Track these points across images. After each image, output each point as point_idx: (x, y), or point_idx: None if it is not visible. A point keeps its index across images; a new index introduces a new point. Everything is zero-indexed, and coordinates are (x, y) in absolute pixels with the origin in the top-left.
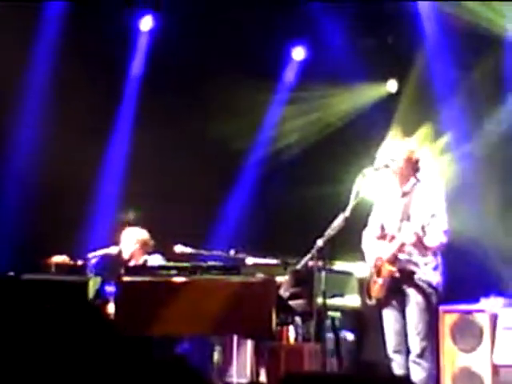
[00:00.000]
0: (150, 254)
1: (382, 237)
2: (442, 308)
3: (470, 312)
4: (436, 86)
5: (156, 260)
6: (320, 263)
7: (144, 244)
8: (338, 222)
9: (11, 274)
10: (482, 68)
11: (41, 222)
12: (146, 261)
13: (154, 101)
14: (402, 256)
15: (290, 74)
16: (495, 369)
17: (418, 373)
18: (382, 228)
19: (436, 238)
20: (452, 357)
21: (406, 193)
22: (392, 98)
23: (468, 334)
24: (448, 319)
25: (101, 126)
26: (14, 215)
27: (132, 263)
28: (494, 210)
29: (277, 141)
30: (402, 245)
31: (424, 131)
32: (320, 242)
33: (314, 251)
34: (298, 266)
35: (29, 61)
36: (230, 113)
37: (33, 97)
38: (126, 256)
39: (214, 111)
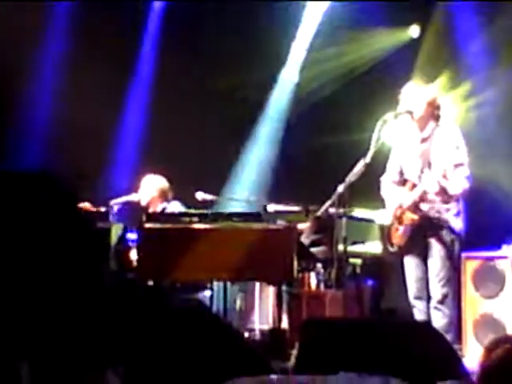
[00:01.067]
0: (168, 201)
1: (401, 183)
2: (464, 254)
3: (492, 258)
4: (458, 32)
5: (175, 207)
6: (340, 210)
7: (163, 192)
8: (358, 168)
9: None
10: (505, 13)
11: (63, 169)
12: (164, 208)
13: (173, 54)
14: (423, 204)
15: (311, 21)
16: None
17: (438, 319)
18: (401, 174)
19: (459, 184)
20: (474, 303)
21: (426, 138)
22: (414, 44)
23: (490, 281)
24: (470, 266)
25: (121, 78)
26: (38, 164)
27: (150, 211)
28: None
29: (298, 88)
30: (424, 193)
31: (445, 78)
32: (340, 188)
33: (334, 197)
34: (319, 213)
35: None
36: (253, 62)
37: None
38: (144, 203)
39: (236, 62)
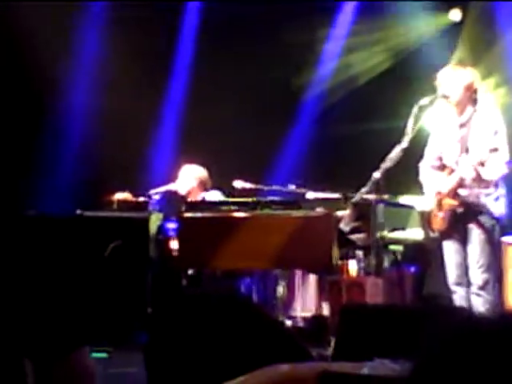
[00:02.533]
0: (207, 190)
1: (440, 168)
2: (505, 240)
3: None
4: (499, 17)
5: (214, 196)
6: (377, 196)
7: (202, 182)
8: (394, 154)
9: (78, 211)
10: None
11: (104, 159)
12: (203, 198)
13: (214, 42)
14: (462, 189)
15: (349, 6)
16: None
17: (479, 305)
18: (440, 159)
19: (497, 170)
20: None
21: (464, 124)
22: (455, 28)
23: None
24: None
25: (161, 69)
26: (78, 154)
27: (190, 200)
28: None
29: (336, 75)
30: (462, 179)
31: (485, 62)
32: (377, 174)
33: (370, 183)
34: (354, 199)
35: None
36: (290, 50)
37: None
38: (183, 193)
39: (273, 49)
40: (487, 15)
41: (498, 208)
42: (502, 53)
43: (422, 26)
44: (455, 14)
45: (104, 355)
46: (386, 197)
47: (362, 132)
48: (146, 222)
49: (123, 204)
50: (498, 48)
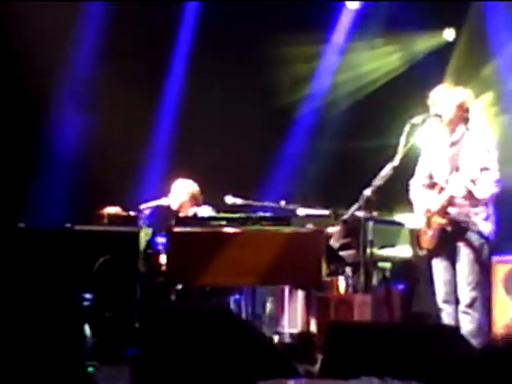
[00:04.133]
0: (199, 205)
1: (430, 186)
2: (494, 258)
3: None
4: (492, 36)
5: (205, 211)
6: (367, 213)
7: (193, 196)
8: (385, 172)
9: (68, 225)
10: None
11: (94, 174)
12: (195, 213)
13: (206, 56)
14: (451, 208)
15: (343, 24)
16: None
17: (467, 323)
18: (430, 177)
19: (487, 189)
20: (504, 308)
21: (455, 142)
22: (448, 47)
23: None
24: (501, 270)
25: (153, 79)
26: (69, 168)
27: (181, 215)
28: None
29: (329, 92)
30: (452, 197)
31: (477, 82)
32: (367, 192)
33: (361, 201)
34: (345, 217)
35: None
36: (283, 65)
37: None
38: (174, 207)
39: (267, 64)
40: (480, 35)
41: (487, 227)
42: (493, 72)
43: (416, 45)
44: (449, 34)
45: (91, 370)
46: (375, 214)
47: (354, 149)
48: (135, 236)
49: (114, 218)
50: (489, 68)
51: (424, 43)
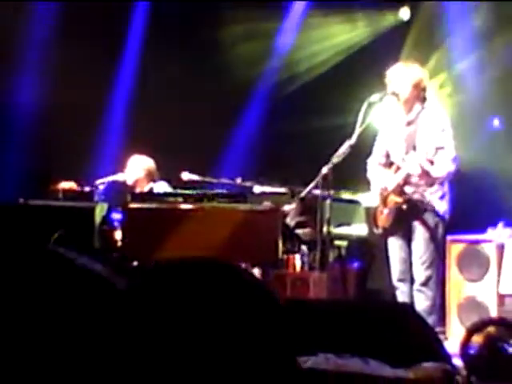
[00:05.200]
0: (155, 181)
1: (387, 165)
2: (449, 238)
3: (477, 242)
4: (448, 16)
5: (162, 187)
6: (325, 191)
7: (149, 172)
8: (343, 150)
9: (21, 200)
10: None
11: (49, 148)
12: (151, 189)
13: (162, 35)
14: (408, 187)
15: (300, 2)
16: (501, 298)
17: (421, 301)
18: (387, 156)
19: (443, 167)
20: (458, 286)
21: (411, 121)
22: (404, 26)
23: (474, 264)
24: (455, 249)
25: (109, 56)
26: (23, 142)
27: (137, 191)
28: (504, 138)
29: (286, 69)
30: (408, 176)
31: (433, 61)
32: (325, 169)
33: (318, 178)
34: (302, 194)
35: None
36: (239, 40)
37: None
38: (130, 183)
39: (223, 40)
40: (435, 15)
41: (443, 206)
42: (448, 52)
43: (372, 23)
44: (404, 13)
45: None
46: (332, 192)
47: (312, 127)
48: (90, 211)
49: (68, 193)
50: (444, 48)
51: (380, 22)
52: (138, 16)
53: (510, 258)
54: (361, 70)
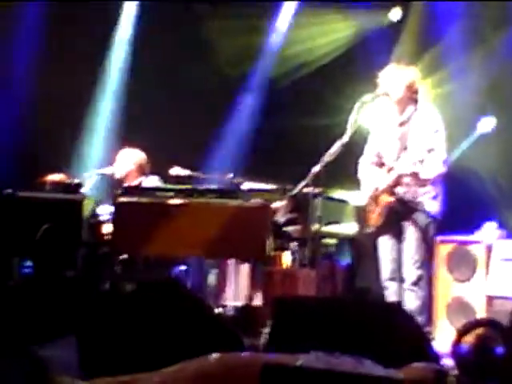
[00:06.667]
0: (146, 175)
1: (379, 165)
2: (438, 238)
3: (465, 243)
4: (438, 18)
5: (152, 181)
6: (316, 189)
7: (140, 166)
8: (334, 149)
9: (9, 191)
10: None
11: (39, 139)
12: (141, 182)
13: (151, 31)
14: (399, 187)
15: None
16: (488, 299)
17: (412, 301)
18: (379, 156)
19: (434, 169)
20: (446, 286)
21: (404, 122)
22: (396, 26)
23: (463, 265)
24: (444, 249)
25: (99, 47)
26: (12, 133)
27: (127, 185)
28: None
29: (278, 66)
30: (400, 176)
31: (424, 62)
32: (316, 168)
33: (309, 177)
34: (293, 192)
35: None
36: (230, 39)
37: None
38: (119, 176)
39: (214, 37)
40: (427, 15)
41: (434, 206)
42: (440, 52)
43: (364, 23)
44: (396, 13)
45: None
46: (324, 191)
47: (303, 125)
48: (79, 204)
49: (57, 186)
50: (436, 48)
51: (372, 21)
52: (124, 11)
53: (498, 259)
54: (353, 69)
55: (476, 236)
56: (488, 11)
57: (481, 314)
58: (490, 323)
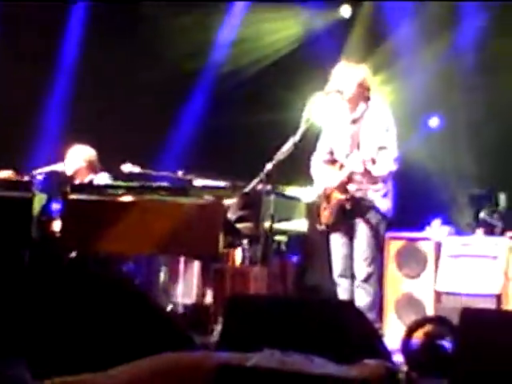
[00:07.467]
0: (96, 172)
1: (331, 162)
2: (388, 235)
3: (415, 239)
4: (388, 15)
5: (102, 179)
6: (268, 187)
7: (90, 163)
8: (287, 146)
9: None
10: None
11: None
12: (91, 180)
13: (101, 22)
14: (351, 184)
15: None
16: (437, 295)
17: (362, 297)
18: (331, 153)
19: (385, 167)
20: (396, 283)
21: (356, 120)
22: (346, 24)
23: (412, 261)
24: (393, 246)
25: (48, 49)
26: None
27: (77, 182)
28: (442, 136)
29: (227, 63)
30: (351, 174)
31: (374, 59)
32: (269, 166)
33: (262, 174)
34: (247, 189)
35: None
36: (182, 34)
37: None
38: (69, 173)
39: (165, 32)
40: (376, 13)
41: (385, 204)
42: (389, 50)
43: (314, 20)
44: (345, 10)
45: None
46: (277, 188)
47: (254, 122)
48: (28, 202)
49: (5, 183)
50: (386, 45)
51: (322, 18)
52: (77, 8)
53: (447, 256)
54: (303, 66)
55: (425, 233)
56: (437, 10)
57: (429, 309)
58: (438, 320)
